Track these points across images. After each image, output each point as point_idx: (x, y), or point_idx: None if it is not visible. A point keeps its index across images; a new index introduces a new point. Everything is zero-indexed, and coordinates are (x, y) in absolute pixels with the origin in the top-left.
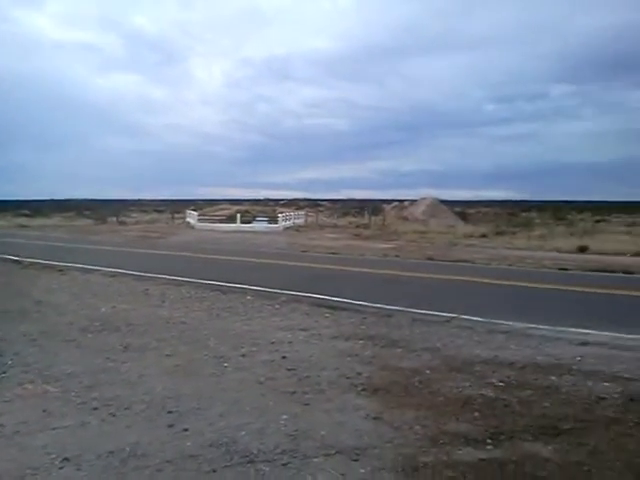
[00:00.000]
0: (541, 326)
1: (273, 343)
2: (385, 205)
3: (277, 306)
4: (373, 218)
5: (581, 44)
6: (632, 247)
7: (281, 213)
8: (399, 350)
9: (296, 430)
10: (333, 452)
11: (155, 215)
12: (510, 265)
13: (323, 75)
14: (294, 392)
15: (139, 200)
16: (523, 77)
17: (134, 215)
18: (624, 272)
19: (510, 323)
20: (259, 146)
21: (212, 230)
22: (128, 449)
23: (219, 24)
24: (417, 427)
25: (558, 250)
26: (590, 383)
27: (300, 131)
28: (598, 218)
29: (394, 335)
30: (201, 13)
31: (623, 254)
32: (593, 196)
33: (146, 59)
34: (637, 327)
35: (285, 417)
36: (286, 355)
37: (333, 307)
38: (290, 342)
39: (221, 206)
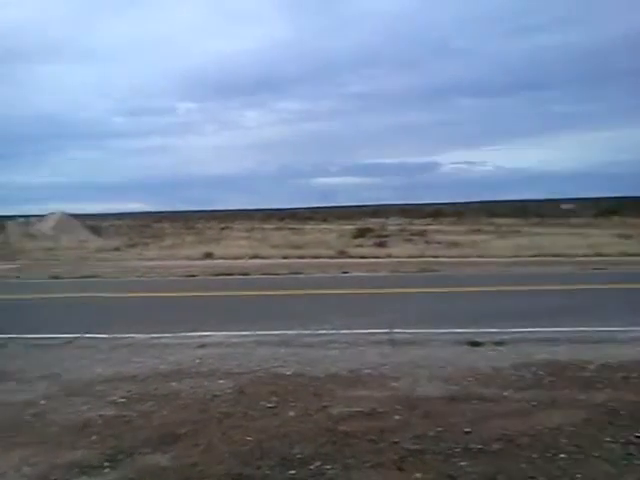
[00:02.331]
0: (165, 334)
1: None
2: (8, 222)
3: None
4: None
5: (203, 65)
6: (249, 251)
7: None
8: (12, 383)
9: None
10: None
11: None
12: (140, 276)
13: None
14: None
15: None
16: (150, 92)
17: None
18: (242, 274)
19: (134, 335)
20: None
21: None
22: None
23: None
24: (25, 468)
25: (188, 258)
26: (207, 383)
27: None
28: (223, 226)
29: (7, 367)
30: None
31: (242, 258)
32: (220, 205)
33: None
34: (255, 324)
35: None
36: None
37: None
38: None
39: None
